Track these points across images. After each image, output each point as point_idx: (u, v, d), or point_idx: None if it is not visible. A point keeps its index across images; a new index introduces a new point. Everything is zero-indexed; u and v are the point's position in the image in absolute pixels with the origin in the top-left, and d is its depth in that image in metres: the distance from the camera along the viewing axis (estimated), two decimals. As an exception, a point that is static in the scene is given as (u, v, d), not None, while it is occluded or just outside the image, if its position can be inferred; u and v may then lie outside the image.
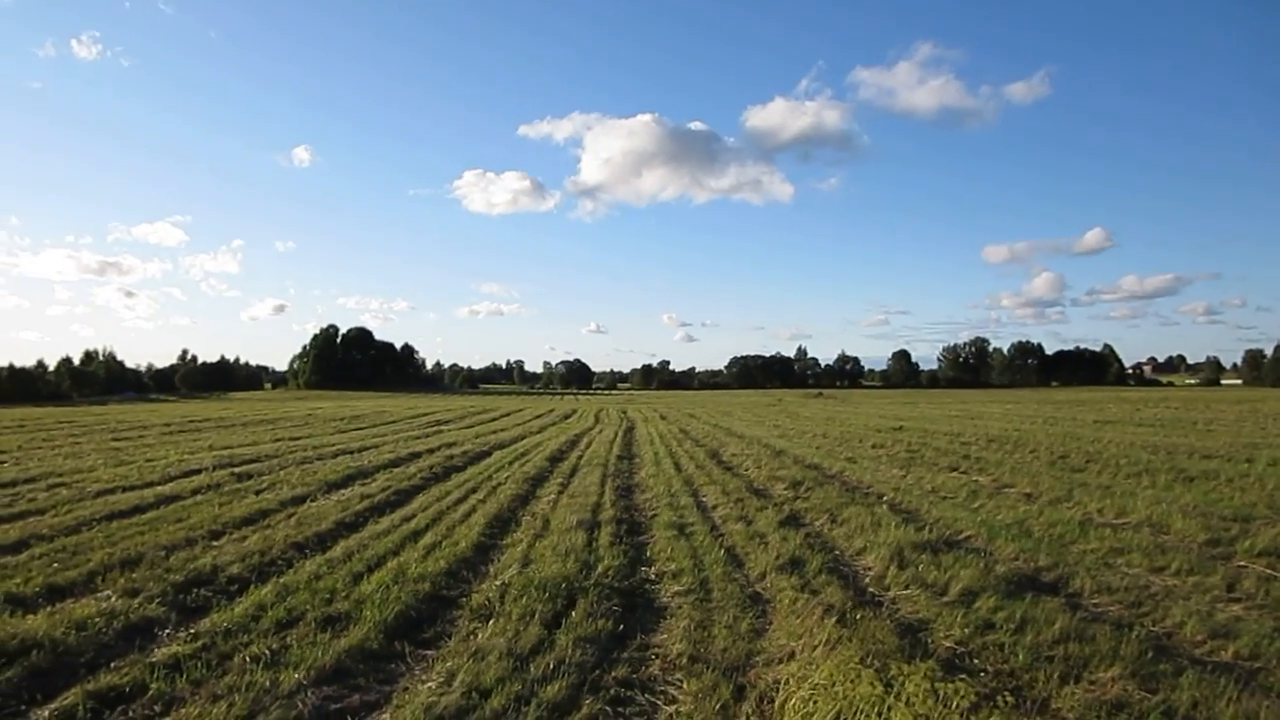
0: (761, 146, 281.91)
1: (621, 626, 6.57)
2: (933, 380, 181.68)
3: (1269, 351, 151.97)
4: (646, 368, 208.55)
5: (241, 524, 10.68)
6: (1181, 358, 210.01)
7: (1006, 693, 4.58)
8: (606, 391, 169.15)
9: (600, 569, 8.30)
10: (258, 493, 13.34)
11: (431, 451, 21.29)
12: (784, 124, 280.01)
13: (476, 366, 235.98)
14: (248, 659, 5.69)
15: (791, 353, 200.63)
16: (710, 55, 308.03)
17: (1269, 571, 7.72)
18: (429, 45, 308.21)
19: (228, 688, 5.20)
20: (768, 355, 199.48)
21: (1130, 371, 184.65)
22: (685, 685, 5.28)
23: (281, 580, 7.81)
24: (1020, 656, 5.47)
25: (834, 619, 6.09)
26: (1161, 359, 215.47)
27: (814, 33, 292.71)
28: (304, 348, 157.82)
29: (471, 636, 6.28)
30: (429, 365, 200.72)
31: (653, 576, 8.29)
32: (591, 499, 12.99)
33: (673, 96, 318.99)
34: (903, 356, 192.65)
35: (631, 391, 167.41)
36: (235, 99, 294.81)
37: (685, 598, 7.39)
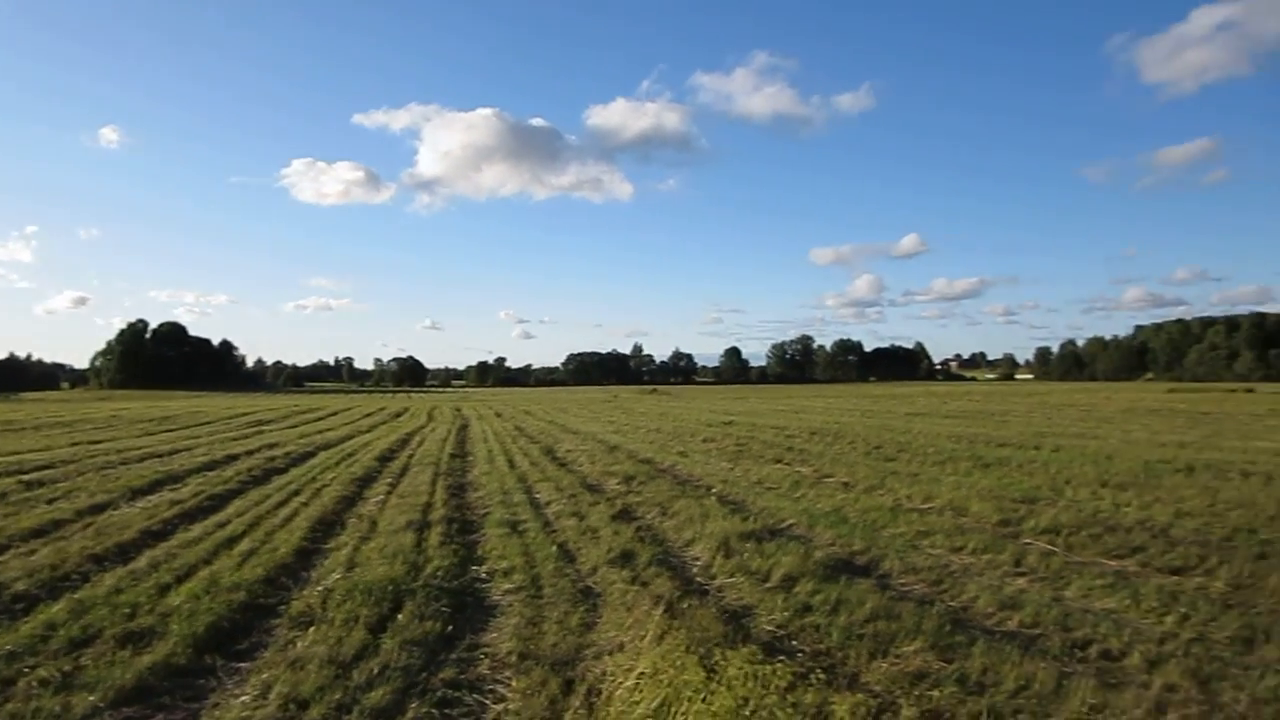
0: (603, 145, 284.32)
1: (450, 627, 6.51)
2: (762, 376, 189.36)
3: (1056, 349, 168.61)
4: (482, 365, 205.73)
5: (30, 536, 9.76)
6: (983, 354, 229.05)
7: (820, 670, 4.90)
8: (441, 389, 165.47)
9: (429, 570, 8.17)
10: (50, 501, 12.21)
11: (251, 453, 20.16)
12: (625, 124, 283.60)
13: (303, 364, 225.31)
14: (35, 683, 5.24)
15: (628, 350, 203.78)
16: (553, 52, 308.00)
17: (1049, 547, 8.60)
18: (257, 23, 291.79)
19: (9, 716, 4.78)
20: (604, 352, 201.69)
21: (939, 367, 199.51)
22: (514, 683, 5.32)
23: (76, 596, 7.21)
24: (835, 636, 5.86)
25: (662, 609, 6.29)
26: (966, 355, 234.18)
27: (656, 35, 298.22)
28: (108, 344, 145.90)
29: (290, 645, 6.05)
30: (250, 363, 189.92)
31: (484, 575, 8.25)
32: (422, 499, 12.74)
33: (514, 91, 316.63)
34: (734, 353, 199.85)
35: (467, 389, 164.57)
36: (31, 75, 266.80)
37: (516, 595, 7.42)
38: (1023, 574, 7.69)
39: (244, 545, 9.33)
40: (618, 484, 14.18)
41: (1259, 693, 4.81)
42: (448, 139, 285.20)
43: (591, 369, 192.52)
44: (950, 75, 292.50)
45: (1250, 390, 67.80)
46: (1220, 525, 9.53)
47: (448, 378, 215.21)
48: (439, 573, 8.09)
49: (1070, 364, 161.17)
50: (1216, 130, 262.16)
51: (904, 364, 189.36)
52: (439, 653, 5.97)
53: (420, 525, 10.57)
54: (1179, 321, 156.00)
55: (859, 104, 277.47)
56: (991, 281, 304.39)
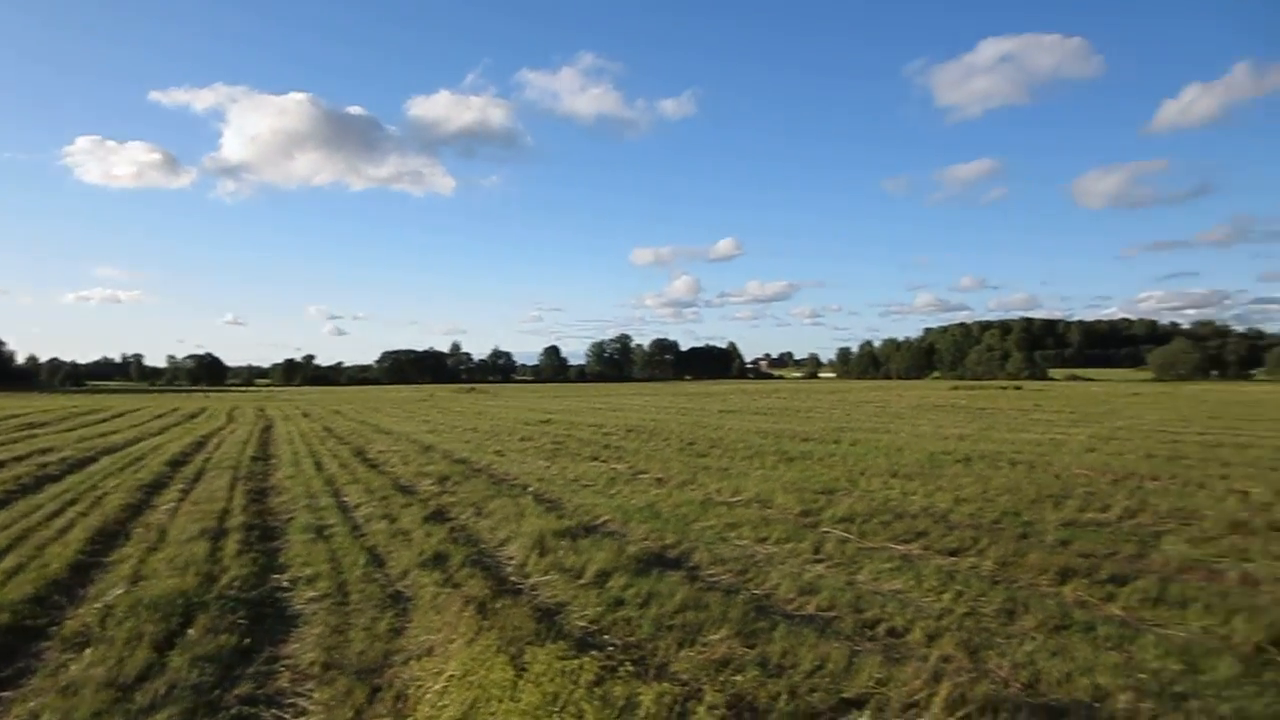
0: (424, 138, 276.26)
1: (248, 640, 6.16)
2: (581, 375, 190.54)
3: (855, 349, 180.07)
4: (289, 362, 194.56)
5: None
6: (790, 354, 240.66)
7: (630, 663, 5.02)
8: (243, 388, 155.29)
9: (225, 580, 7.69)
10: None
11: (19, 460, 18.13)
12: (448, 117, 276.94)
13: (84, 361, 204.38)
14: None
15: (446, 348, 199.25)
16: (374, 39, 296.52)
17: (845, 534, 9.19)
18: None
19: None
20: (421, 350, 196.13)
21: (750, 366, 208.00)
22: (317, 694, 5.11)
23: None
24: (645, 628, 6.01)
25: (474, 610, 6.23)
26: (775, 355, 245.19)
27: (482, 28, 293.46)
28: None
29: (62, 670, 5.53)
30: (20, 359, 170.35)
31: (286, 583, 7.85)
32: (218, 505, 11.95)
33: (331, 77, 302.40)
34: (553, 352, 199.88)
35: (272, 388, 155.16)
36: None
37: (321, 603, 7.12)
38: (821, 561, 8.17)
39: (9, 562, 8.42)
40: (432, 485, 13.88)
41: (1019, 658, 5.36)
42: (256, 123, 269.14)
43: (407, 367, 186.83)
44: (766, 88, 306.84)
45: (1019, 388, 75.11)
46: (991, 510, 10.51)
47: (251, 376, 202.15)
48: (236, 583, 7.64)
49: (868, 363, 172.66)
50: (998, 152, 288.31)
51: (718, 363, 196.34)
52: (234, 668, 5.64)
53: (216, 533, 9.92)
54: (961, 325, 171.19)
55: (681, 110, 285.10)
56: (800, 285, 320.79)
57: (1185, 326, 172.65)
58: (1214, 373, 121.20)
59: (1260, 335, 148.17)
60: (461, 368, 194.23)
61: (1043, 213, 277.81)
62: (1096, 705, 4.67)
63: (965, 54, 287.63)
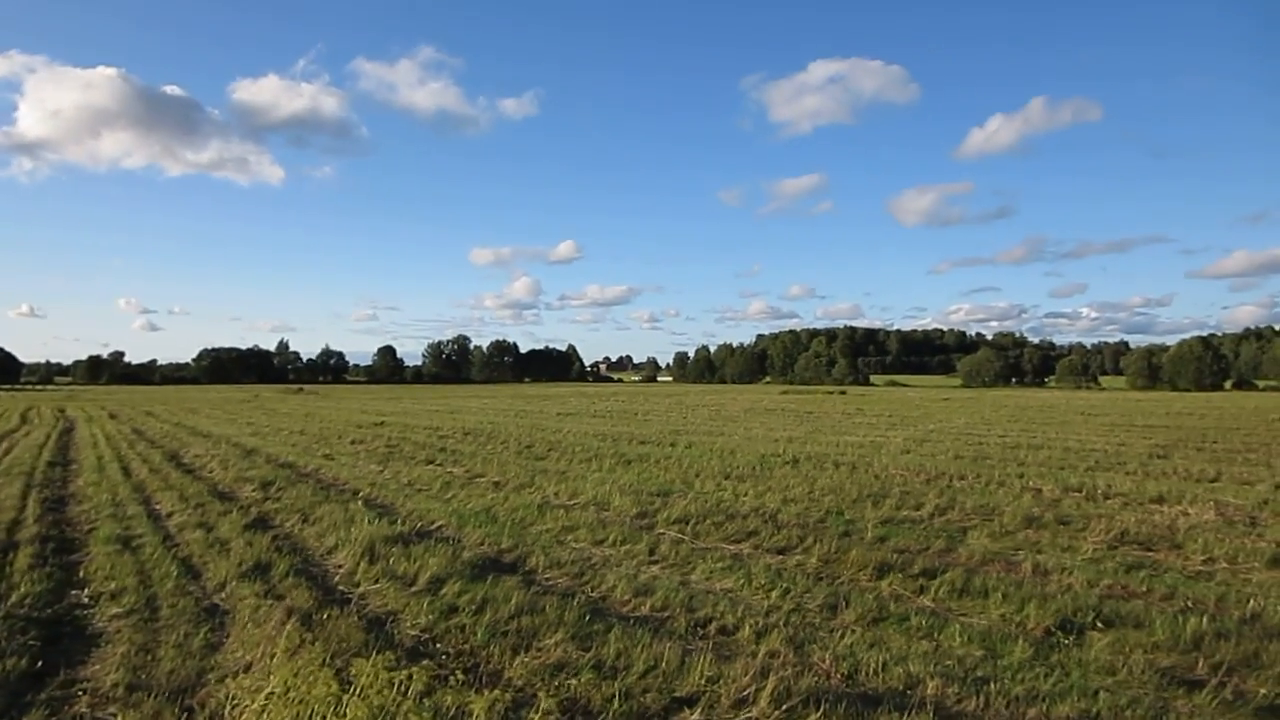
0: (250, 123, 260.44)
1: (41, 663, 5.62)
2: (418, 376, 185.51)
3: (692, 354, 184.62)
4: (95, 359, 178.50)
5: None
6: (629, 357, 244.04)
7: (462, 671, 4.92)
8: (40, 387, 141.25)
9: (15, 598, 7.00)
10: None
11: None
12: (277, 103, 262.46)
13: None
14: None
15: (272, 346, 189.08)
16: (194, 15, 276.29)
17: (680, 535, 9.38)
18: None
19: None
20: (245, 348, 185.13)
21: (589, 369, 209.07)
22: (121, 718, 4.72)
23: None
24: (479, 635, 5.90)
25: (298, 622, 5.93)
26: (614, 358, 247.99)
27: (315, 12, 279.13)
28: None
29: None
30: None
31: (86, 600, 7.22)
32: (8, 515, 10.85)
33: (145, 53, 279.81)
34: (388, 352, 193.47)
35: (74, 387, 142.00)
36: None
37: (126, 619, 6.58)
38: (656, 562, 8.30)
39: None
40: (254, 491, 13.13)
41: (840, 651, 5.62)
42: (58, 97, 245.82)
43: (229, 366, 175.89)
44: (609, 93, 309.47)
45: (844, 393, 79.13)
46: (816, 509, 11.01)
47: (50, 374, 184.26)
48: (28, 601, 6.97)
49: (704, 367, 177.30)
50: (826, 167, 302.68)
51: (557, 365, 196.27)
52: (24, 694, 5.13)
53: (5, 546, 9.01)
54: (792, 332, 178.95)
55: (523, 109, 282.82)
56: (640, 289, 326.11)
57: (989, 337, 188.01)
58: (1014, 380, 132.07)
59: (1052, 346, 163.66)
60: (289, 367, 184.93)
61: (865, 227, 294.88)
62: (909, 692, 4.96)
63: (798, 73, 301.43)
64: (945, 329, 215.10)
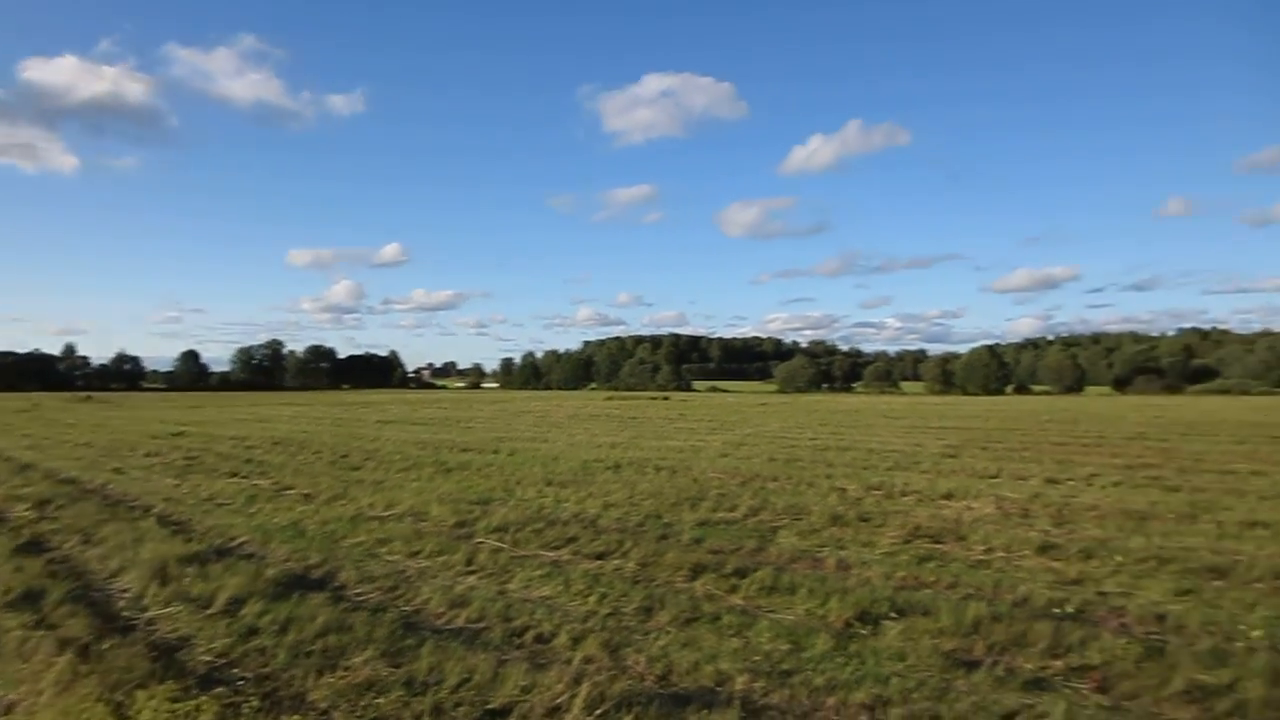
0: (40, 106, 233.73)
1: None
2: (225, 383, 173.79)
3: (518, 360, 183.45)
4: None
5: None
6: (454, 363, 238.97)
7: (259, 696, 4.63)
8: None
9: None
10: None
11: None
12: (74, 85, 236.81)
13: None
14: None
15: (58, 350, 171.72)
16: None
17: (499, 544, 9.26)
18: None
19: None
20: (25, 352, 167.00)
21: (412, 375, 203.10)
22: None
23: None
24: (281, 656, 5.58)
25: (72, 654, 5.40)
26: (439, 364, 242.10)
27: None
28: None
29: None
30: None
31: None
32: None
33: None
34: (192, 357, 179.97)
35: None
36: None
37: None
38: (474, 572, 8.14)
39: None
40: (28, 510, 11.86)
41: (654, 652, 5.72)
42: None
43: (6, 372, 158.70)
44: (439, 94, 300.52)
45: (667, 398, 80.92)
46: (636, 513, 11.18)
47: None
48: None
49: (530, 374, 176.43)
50: (656, 178, 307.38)
51: (378, 372, 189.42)
52: None
53: None
54: (617, 339, 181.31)
55: (351, 106, 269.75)
56: (467, 295, 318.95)
57: (804, 345, 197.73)
58: (825, 385, 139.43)
59: (860, 354, 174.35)
60: (77, 373, 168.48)
61: (693, 238, 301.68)
62: (719, 689, 5.11)
63: (632, 85, 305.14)
64: (764, 337, 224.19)
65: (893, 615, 6.60)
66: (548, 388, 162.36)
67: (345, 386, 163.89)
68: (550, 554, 8.87)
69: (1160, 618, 6.62)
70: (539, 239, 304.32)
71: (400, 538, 9.54)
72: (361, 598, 7.28)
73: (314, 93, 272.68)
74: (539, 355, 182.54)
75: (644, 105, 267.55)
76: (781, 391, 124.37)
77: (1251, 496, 12.75)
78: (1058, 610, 6.77)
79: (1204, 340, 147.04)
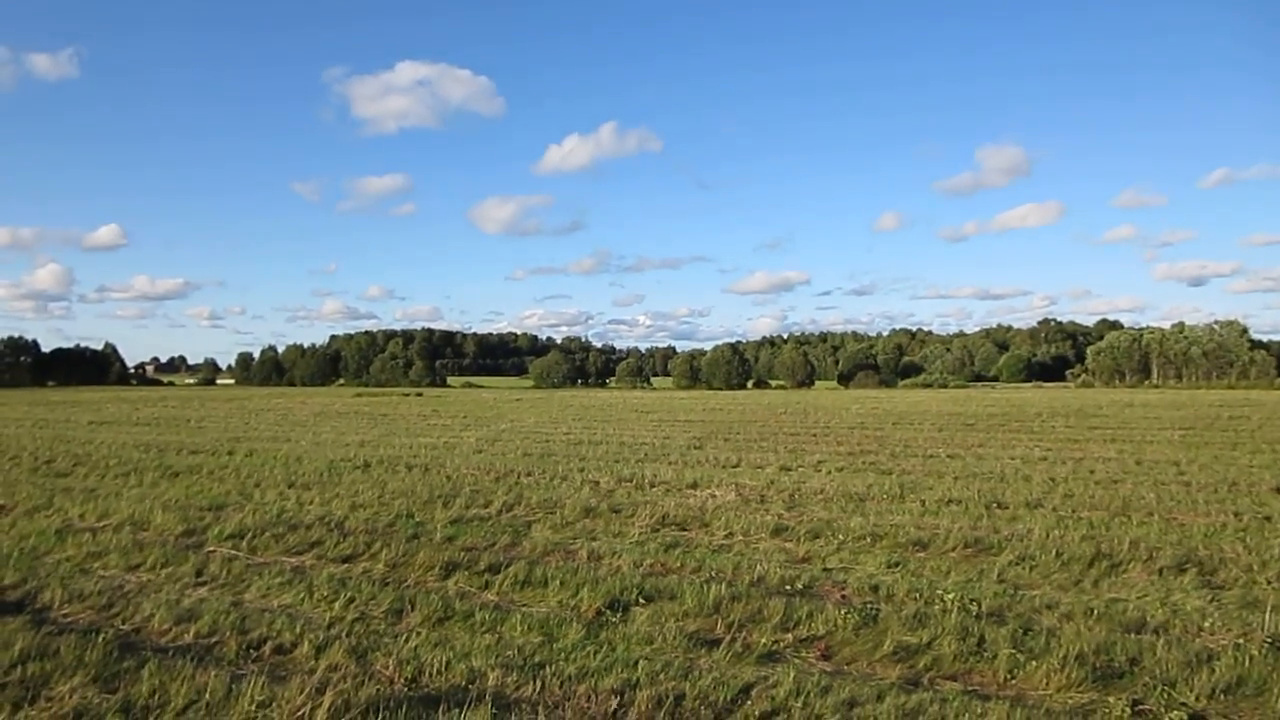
0: None
1: None
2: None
3: (257, 354, 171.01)
4: None
5: None
6: (183, 358, 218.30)
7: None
8: None
9: None
10: None
11: None
12: None
13: None
14: None
15: None
16: None
17: (234, 552, 8.61)
18: None
19: None
20: None
21: (134, 371, 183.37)
22: None
23: None
24: (-35, 692, 4.87)
25: None
26: (165, 359, 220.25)
27: None
28: None
29: None
30: None
31: None
32: None
33: None
34: None
35: None
36: None
37: None
38: (205, 583, 7.53)
39: None
40: None
41: (404, 655, 5.57)
42: None
43: None
44: (169, 64, 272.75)
45: (420, 394, 78.82)
46: (386, 513, 10.82)
47: None
48: None
49: (271, 369, 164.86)
50: (410, 169, 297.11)
51: (92, 367, 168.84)
52: None
53: None
54: (367, 333, 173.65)
55: (59, 69, 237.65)
56: (199, 284, 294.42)
57: (559, 341, 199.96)
58: (580, 381, 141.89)
59: (613, 350, 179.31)
60: None
61: (447, 232, 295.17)
62: (470, 687, 5.07)
63: (385, 71, 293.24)
64: (520, 333, 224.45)
65: (642, 601, 6.86)
66: (291, 384, 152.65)
67: (50, 384, 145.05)
68: (292, 560, 8.39)
69: (875, 588, 7.36)
70: (281, 226, 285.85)
71: (117, 550, 8.62)
72: (70, 618, 6.51)
73: (13, 49, 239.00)
74: (281, 350, 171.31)
75: (398, 93, 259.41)
76: (537, 387, 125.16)
77: (948, 477, 14.47)
78: (789, 587, 7.35)
79: (912, 340, 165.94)
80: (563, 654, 5.67)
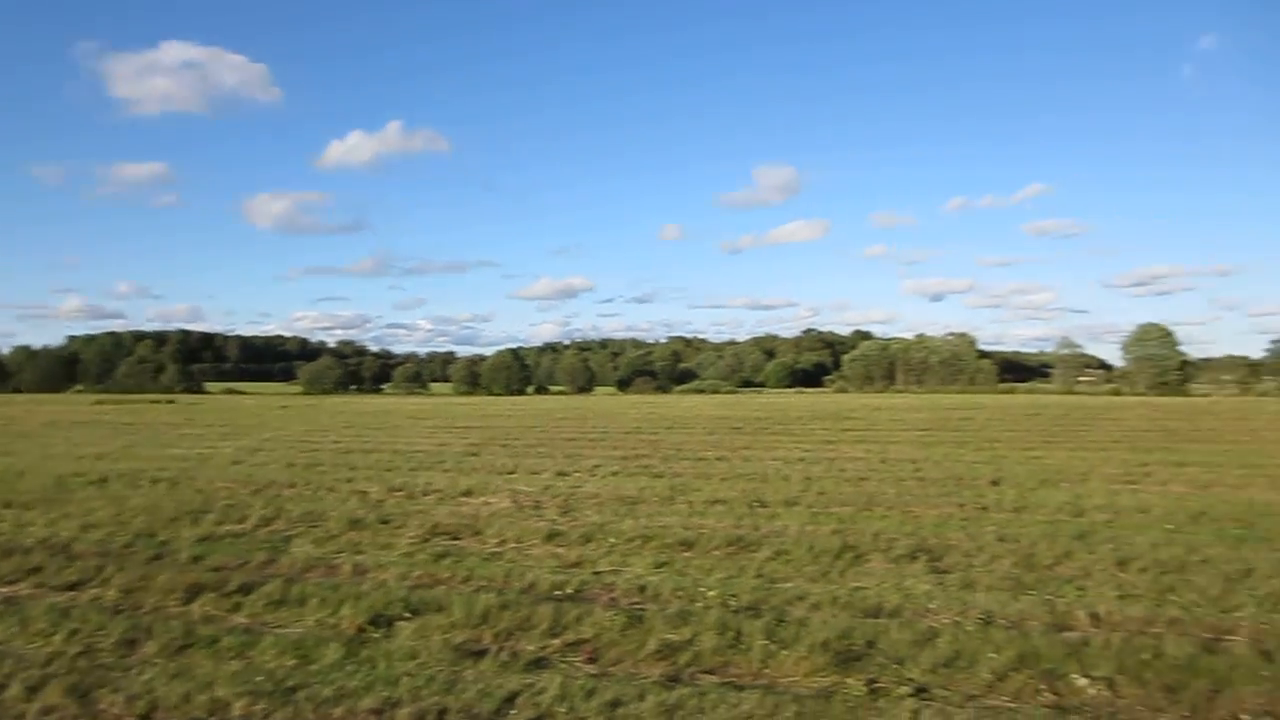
0: None
1: None
2: None
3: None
4: None
5: None
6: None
7: None
8: None
9: None
10: None
11: None
12: None
13: None
14: None
15: None
16: None
17: (-72, 585, 7.48)
18: None
19: None
20: None
21: None
22: None
23: None
24: None
25: None
26: None
27: None
28: None
29: None
30: None
31: None
32: None
33: None
34: None
35: None
36: None
37: None
38: (-114, 622, 6.47)
39: None
40: None
41: (135, 689, 5.05)
42: None
43: None
44: None
45: (172, 401, 72.32)
46: (124, 533, 9.80)
47: None
48: None
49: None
50: (172, 157, 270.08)
51: None
52: None
53: None
54: (113, 334, 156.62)
55: None
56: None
57: (332, 345, 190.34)
58: (354, 387, 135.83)
59: (390, 355, 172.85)
60: None
61: (214, 227, 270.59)
62: (212, 719, 4.68)
63: (147, 49, 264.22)
64: (289, 335, 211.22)
65: (407, 615, 6.63)
66: (18, 390, 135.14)
67: None
68: (4, 589, 7.40)
69: (642, 589, 7.54)
70: (14, 213, 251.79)
71: None
72: None
73: None
74: (6, 352, 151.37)
75: (162, 74, 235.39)
76: (307, 393, 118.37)
77: (715, 479, 15.13)
78: (559, 592, 7.37)
79: (688, 347, 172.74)
80: (319, 676, 5.36)
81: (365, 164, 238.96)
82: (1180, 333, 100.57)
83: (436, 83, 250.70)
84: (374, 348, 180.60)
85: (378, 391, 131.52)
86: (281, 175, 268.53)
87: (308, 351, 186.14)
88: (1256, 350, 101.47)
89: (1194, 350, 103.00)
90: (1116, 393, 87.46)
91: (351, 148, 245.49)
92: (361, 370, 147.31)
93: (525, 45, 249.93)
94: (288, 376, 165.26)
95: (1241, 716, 4.82)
